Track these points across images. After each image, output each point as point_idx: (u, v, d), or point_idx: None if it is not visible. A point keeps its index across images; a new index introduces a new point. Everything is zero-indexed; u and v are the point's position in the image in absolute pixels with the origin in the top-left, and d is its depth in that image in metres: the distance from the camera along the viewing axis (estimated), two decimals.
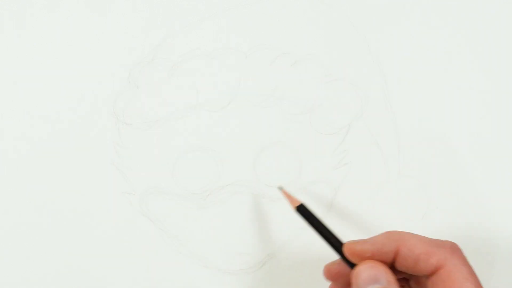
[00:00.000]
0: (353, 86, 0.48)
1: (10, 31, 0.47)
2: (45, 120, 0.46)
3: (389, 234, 0.38)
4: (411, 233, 0.38)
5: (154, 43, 0.47)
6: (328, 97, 0.47)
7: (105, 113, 0.47)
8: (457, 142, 0.48)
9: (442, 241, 0.38)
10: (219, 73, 0.47)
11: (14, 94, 0.47)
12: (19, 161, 0.46)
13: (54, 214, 0.46)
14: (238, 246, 0.46)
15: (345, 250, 0.39)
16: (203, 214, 0.46)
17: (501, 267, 0.47)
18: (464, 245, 0.47)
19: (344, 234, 0.47)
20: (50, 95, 0.47)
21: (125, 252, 0.46)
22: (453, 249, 0.37)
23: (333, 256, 0.39)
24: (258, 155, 0.47)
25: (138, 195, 0.46)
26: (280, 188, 0.45)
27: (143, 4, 0.48)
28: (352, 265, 0.38)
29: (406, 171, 0.47)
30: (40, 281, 0.45)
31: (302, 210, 0.41)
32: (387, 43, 0.48)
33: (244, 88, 0.47)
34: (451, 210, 0.47)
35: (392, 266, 0.38)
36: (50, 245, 0.46)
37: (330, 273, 0.40)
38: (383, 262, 0.38)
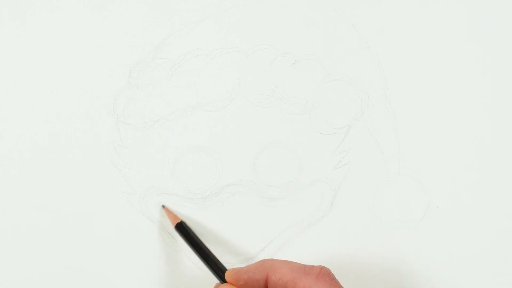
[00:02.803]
0: (353, 86, 0.48)
1: (10, 31, 0.47)
2: (45, 120, 0.46)
3: (262, 262, 0.40)
4: (284, 261, 0.40)
5: (154, 43, 0.47)
6: (328, 97, 0.47)
7: (105, 113, 0.47)
8: (457, 142, 0.48)
9: (311, 267, 0.39)
10: (219, 73, 0.47)
11: (14, 94, 0.47)
12: (19, 161, 0.46)
13: (54, 214, 0.46)
14: (238, 246, 0.46)
15: (226, 278, 0.41)
16: (203, 214, 0.46)
17: (502, 266, 0.47)
18: (465, 245, 0.47)
19: (344, 234, 0.47)
20: (50, 95, 0.47)
21: (125, 252, 0.46)
22: (320, 274, 0.39)
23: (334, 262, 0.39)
24: (258, 155, 0.47)
25: (138, 195, 0.46)
26: (163, 206, 0.46)
27: (143, 4, 0.48)
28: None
29: (406, 171, 0.47)
30: (40, 281, 0.45)
31: (181, 228, 0.45)
32: (387, 43, 0.48)
33: (244, 88, 0.47)
34: (451, 210, 0.47)
35: None
36: (50, 245, 0.46)
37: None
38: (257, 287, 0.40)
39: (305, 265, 0.39)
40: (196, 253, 0.44)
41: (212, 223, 0.46)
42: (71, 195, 0.46)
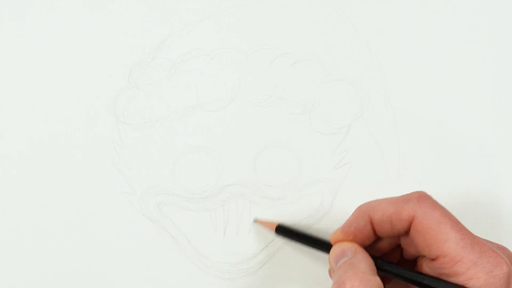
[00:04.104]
0: (353, 86, 0.48)
1: (10, 31, 0.47)
2: (45, 120, 0.46)
3: (359, 209, 0.41)
4: (379, 200, 0.40)
5: (154, 43, 0.47)
6: (328, 97, 0.47)
7: (105, 113, 0.47)
8: (457, 142, 0.48)
9: (408, 194, 0.39)
10: (219, 73, 0.47)
11: (14, 94, 0.47)
12: (19, 161, 0.46)
13: (54, 214, 0.46)
14: (238, 246, 0.46)
15: (333, 242, 0.41)
16: (203, 214, 0.46)
17: None
18: None
19: None
20: (50, 95, 0.47)
21: (125, 252, 0.46)
22: (420, 198, 0.38)
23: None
24: (258, 155, 0.47)
25: (138, 195, 0.46)
26: (255, 220, 0.46)
27: (143, 4, 0.48)
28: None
29: (406, 171, 0.47)
30: (40, 281, 0.45)
31: (282, 230, 0.45)
32: (387, 43, 0.48)
33: (244, 88, 0.47)
34: (451, 210, 0.47)
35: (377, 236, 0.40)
36: (50, 245, 0.46)
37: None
38: (367, 236, 0.40)
39: (400, 196, 0.39)
40: (304, 245, 0.44)
41: (212, 222, 0.46)
42: (71, 195, 0.46)
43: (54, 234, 0.46)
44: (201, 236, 0.46)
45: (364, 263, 0.38)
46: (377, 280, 0.37)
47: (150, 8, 0.48)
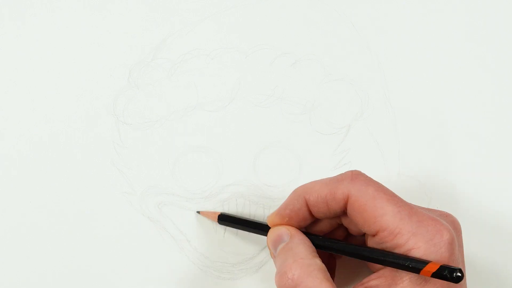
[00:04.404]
0: (353, 86, 0.48)
1: (10, 31, 0.47)
2: (45, 120, 0.46)
3: (295, 192, 0.40)
4: (314, 181, 0.40)
5: (154, 43, 0.47)
6: (328, 97, 0.47)
7: (105, 113, 0.47)
8: (457, 142, 0.48)
9: (341, 174, 0.39)
10: (219, 73, 0.47)
11: (14, 94, 0.47)
12: (19, 161, 0.46)
13: (54, 214, 0.46)
14: (238, 246, 0.46)
15: (270, 224, 0.41)
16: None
17: (502, 266, 0.47)
18: (465, 246, 0.47)
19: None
20: (50, 95, 0.47)
21: (125, 252, 0.46)
22: (353, 176, 0.38)
23: None
24: (258, 155, 0.47)
25: (138, 195, 0.46)
26: (198, 212, 0.46)
27: (143, 4, 0.48)
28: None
29: (406, 171, 0.47)
30: (40, 281, 0.45)
31: (224, 218, 0.44)
32: (387, 43, 0.48)
33: (244, 88, 0.47)
34: (451, 210, 0.47)
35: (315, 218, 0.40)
36: (50, 245, 0.46)
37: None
38: (303, 218, 0.40)
39: (334, 176, 0.39)
40: (246, 231, 0.44)
41: (212, 222, 0.46)
42: (71, 195, 0.46)
43: (54, 234, 0.46)
44: (201, 236, 0.46)
45: (301, 246, 0.38)
46: (317, 262, 0.37)
47: (150, 8, 0.48)
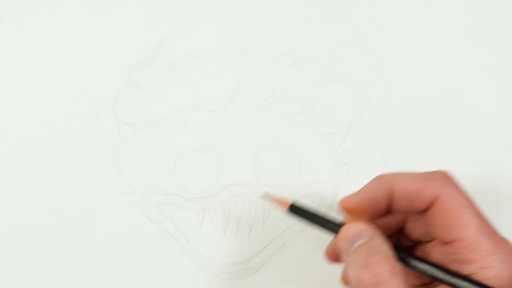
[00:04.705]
0: (353, 86, 0.48)
1: (10, 31, 0.47)
2: (45, 120, 0.46)
3: (380, 179, 0.37)
4: (401, 172, 0.38)
5: (154, 43, 0.47)
6: (328, 97, 0.47)
7: (105, 113, 0.47)
8: (457, 142, 0.48)
9: (433, 172, 0.37)
10: (219, 73, 0.47)
11: (14, 94, 0.47)
12: (19, 161, 0.46)
13: (54, 214, 0.46)
14: (238, 246, 0.46)
15: (343, 208, 0.38)
16: (203, 214, 0.46)
17: None
18: None
19: None
20: (50, 95, 0.47)
21: (125, 252, 0.46)
22: (445, 178, 0.37)
23: None
24: (258, 155, 0.47)
25: (138, 195, 0.46)
26: (265, 196, 0.43)
27: (143, 4, 0.48)
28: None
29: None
30: (40, 281, 0.45)
31: (295, 209, 0.40)
32: (387, 43, 0.48)
33: (244, 88, 0.47)
34: None
35: (388, 210, 0.38)
36: (50, 245, 0.46)
37: (332, 254, 0.40)
38: (379, 209, 0.37)
39: (424, 172, 0.37)
40: (316, 227, 0.39)
41: (212, 222, 0.46)
42: (71, 195, 0.46)
43: (54, 234, 0.46)
44: (201, 236, 0.46)
45: (387, 247, 0.36)
46: (400, 266, 0.35)
47: (150, 8, 0.48)
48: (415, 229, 0.39)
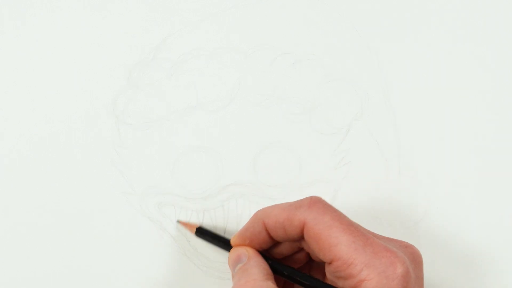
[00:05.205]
0: (353, 86, 0.48)
1: (10, 31, 0.47)
2: (45, 120, 0.46)
3: (255, 215, 0.41)
4: (275, 205, 0.40)
5: (154, 43, 0.47)
6: (328, 97, 0.47)
7: (105, 113, 0.47)
8: (457, 142, 0.48)
9: (301, 200, 0.39)
10: (219, 73, 0.47)
11: (14, 94, 0.47)
12: (19, 161, 0.46)
13: (54, 214, 0.46)
14: None
15: (233, 245, 0.42)
16: (203, 214, 0.46)
17: (502, 267, 0.47)
18: (465, 245, 0.47)
19: None
20: (50, 95, 0.47)
21: (125, 252, 0.46)
22: (311, 203, 0.38)
23: None
24: (258, 155, 0.47)
25: (138, 195, 0.46)
26: (178, 221, 0.46)
27: (143, 4, 0.48)
28: None
29: (406, 171, 0.47)
30: (40, 281, 0.45)
31: (201, 232, 0.45)
32: (387, 43, 0.48)
33: (244, 88, 0.47)
34: (451, 210, 0.47)
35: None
36: (50, 245, 0.46)
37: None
38: (263, 241, 0.40)
39: (293, 201, 0.39)
40: (221, 248, 0.44)
41: (212, 223, 0.46)
42: (71, 195, 0.46)
43: (54, 234, 0.46)
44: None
45: (256, 268, 0.39)
46: (269, 285, 0.38)
47: (150, 8, 0.48)
48: (309, 251, 0.41)
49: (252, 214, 0.46)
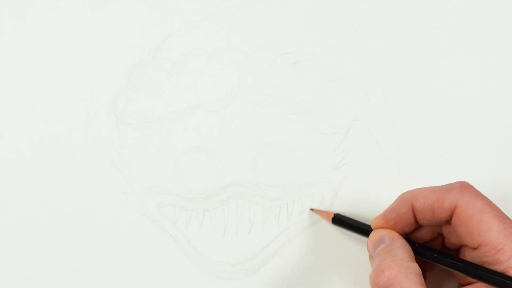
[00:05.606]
0: (353, 86, 0.48)
1: (10, 31, 0.47)
2: (45, 120, 0.46)
3: (402, 196, 0.41)
4: (422, 187, 0.41)
5: (154, 43, 0.47)
6: (328, 97, 0.47)
7: (105, 113, 0.47)
8: (457, 142, 0.48)
9: (451, 184, 0.40)
10: (219, 73, 0.47)
11: (14, 94, 0.47)
12: (19, 161, 0.46)
13: (54, 214, 0.46)
14: (238, 246, 0.46)
15: (373, 228, 0.42)
16: (203, 214, 0.46)
17: None
18: None
19: (345, 233, 0.47)
20: (50, 95, 0.47)
21: (125, 252, 0.46)
22: (462, 187, 0.39)
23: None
24: (258, 155, 0.47)
25: (138, 195, 0.46)
26: (311, 209, 0.46)
27: (143, 4, 0.48)
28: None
29: (406, 171, 0.47)
30: (40, 281, 0.45)
31: (337, 220, 0.45)
32: (387, 43, 0.48)
33: (244, 88, 0.47)
34: None
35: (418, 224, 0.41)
36: (50, 245, 0.46)
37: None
38: (407, 223, 0.40)
39: (443, 185, 0.40)
40: (359, 234, 0.44)
41: (212, 223, 0.46)
42: (71, 195, 0.46)
43: (54, 234, 0.46)
44: (201, 236, 0.46)
45: (402, 249, 0.39)
46: (415, 266, 0.38)
47: (150, 8, 0.48)
48: (450, 237, 0.41)
49: (252, 214, 0.47)
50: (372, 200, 0.47)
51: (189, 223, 0.46)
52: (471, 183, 0.45)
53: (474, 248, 0.38)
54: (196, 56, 0.47)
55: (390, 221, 0.41)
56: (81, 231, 0.46)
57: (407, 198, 0.40)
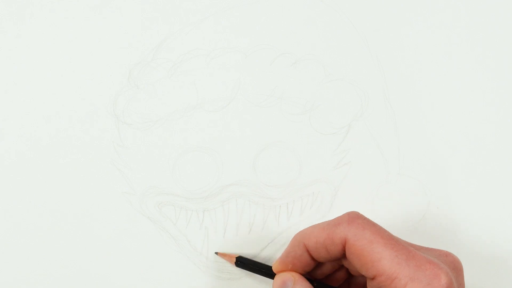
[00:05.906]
0: (353, 86, 0.48)
1: (10, 31, 0.47)
2: (45, 120, 0.46)
3: (295, 238, 0.41)
4: (312, 226, 0.40)
5: (154, 43, 0.47)
6: (328, 97, 0.47)
7: (105, 113, 0.47)
8: (457, 142, 0.48)
9: (339, 217, 0.39)
10: (219, 73, 0.47)
11: (14, 94, 0.47)
12: (19, 161, 0.46)
13: (54, 214, 0.46)
14: (238, 246, 0.46)
15: (275, 272, 0.42)
16: (203, 214, 0.46)
17: (501, 265, 0.47)
18: (464, 245, 0.47)
19: None
20: (50, 95, 0.47)
21: (125, 252, 0.46)
22: (350, 219, 0.38)
23: None
24: (258, 155, 0.47)
25: (138, 195, 0.46)
26: (216, 253, 0.46)
27: (143, 4, 0.48)
28: None
29: (406, 171, 0.47)
30: (40, 281, 0.45)
31: (240, 263, 0.45)
32: (387, 43, 0.48)
33: (244, 88, 0.47)
34: (451, 210, 0.47)
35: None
36: (50, 245, 0.46)
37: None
38: (305, 263, 0.40)
39: (332, 219, 0.39)
40: (263, 275, 0.44)
41: (211, 223, 0.46)
42: (71, 195, 0.46)
43: (54, 234, 0.46)
44: (201, 236, 0.46)
45: None
46: None
47: (150, 8, 0.48)
48: (350, 268, 0.41)
49: (252, 214, 0.47)
50: (372, 200, 0.47)
51: (189, 223, 0.46)
52: (471, 183, 0.45)
53: (372, 279, 0.38)
54: (196, 56, 0.47)
55: (288, 264, 0.41)
56: (81, 231, 0.46)
57: (299, 240, 0.40)
